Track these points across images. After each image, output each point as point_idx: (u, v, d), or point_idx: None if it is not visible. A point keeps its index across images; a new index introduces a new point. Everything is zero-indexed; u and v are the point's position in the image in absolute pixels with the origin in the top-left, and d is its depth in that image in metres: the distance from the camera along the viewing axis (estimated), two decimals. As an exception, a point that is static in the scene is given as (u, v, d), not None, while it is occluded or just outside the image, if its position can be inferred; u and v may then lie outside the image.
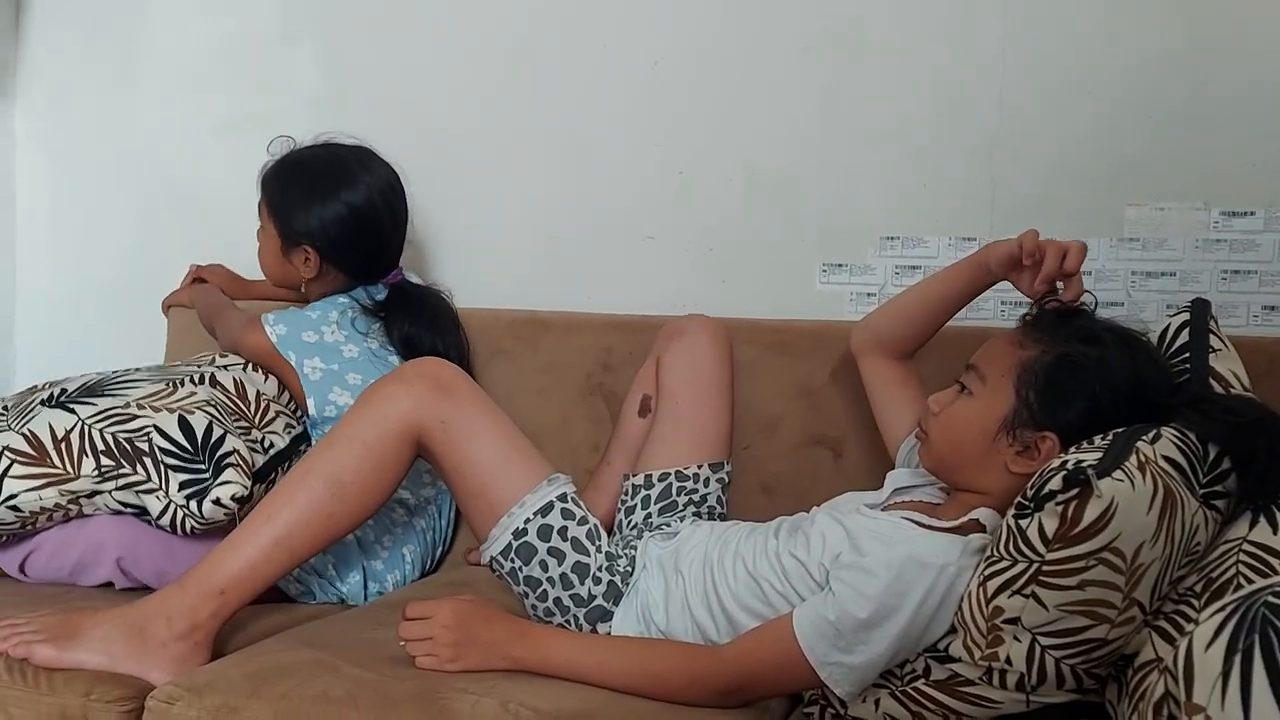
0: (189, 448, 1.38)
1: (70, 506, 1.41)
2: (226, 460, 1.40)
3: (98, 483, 1.38)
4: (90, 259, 2.21)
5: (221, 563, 1.22)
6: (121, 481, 1.38)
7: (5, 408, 1.46)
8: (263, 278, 1.82)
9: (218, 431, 1.40)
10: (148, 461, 1.38)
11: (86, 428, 1.39)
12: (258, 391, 1.54)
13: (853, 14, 1.71)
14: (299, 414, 1.64)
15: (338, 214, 1.63)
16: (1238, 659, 0.73)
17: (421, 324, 1.68)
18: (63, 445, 1.38)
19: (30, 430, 1.40)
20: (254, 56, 2.06)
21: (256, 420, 1.50)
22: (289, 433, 1.57)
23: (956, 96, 1.67)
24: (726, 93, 1.78)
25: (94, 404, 1.41)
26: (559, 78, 1.87)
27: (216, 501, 1.37)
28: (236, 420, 1.46)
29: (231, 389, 1.51)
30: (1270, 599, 0.74)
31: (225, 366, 1.57)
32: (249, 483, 1.40)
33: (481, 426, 1.29)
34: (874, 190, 1.73)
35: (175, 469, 1.38)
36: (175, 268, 2.00)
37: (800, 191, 1.76)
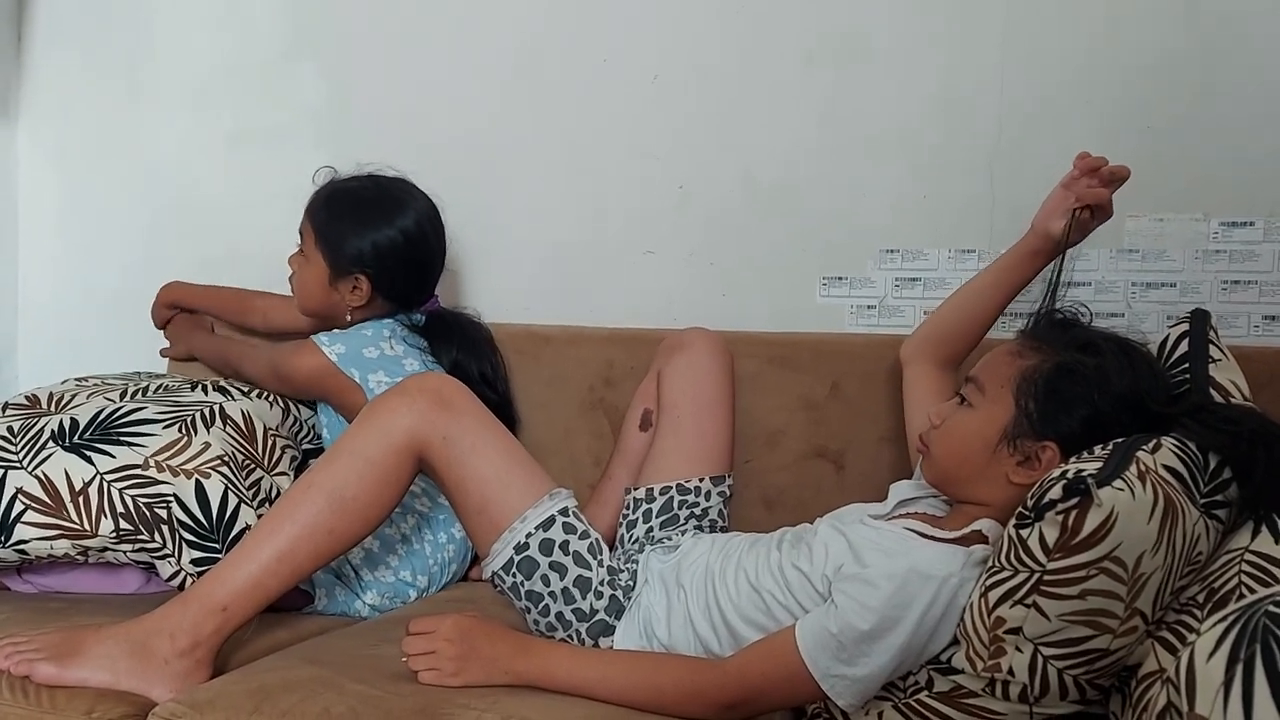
0: (205, 523, 1.38)
1: (79, 557, 1.41)
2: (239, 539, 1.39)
3: (114, 543, 1.38)
4: (94, 273, 2.21)
5: (224, 579, 1.22)
6: (138, 545, 1.38)
7: (11, 432, 1.44)
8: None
9: (233, 502, 1.39)
10: (165, 529, 1.37)
11: (106, 485, 1.37)
12: (265, 427, 1.52)
13: (852, 27, 1.71)
14: (299, 438, 1.65)
15: (391, 240, 1.64)
16: (1239, 669, 0.72)
17: (466, 350, 1.70)
18: (80, 500, 1.37)
19: (45, 475, 1.38)
20: (258, 71, 2.07)
21: (266, 462, 1.49)
22: (294, 466, 1.57)
23: (956, 109, 1.67)
24: (726, 106, 1.79)
25: (111, 455, 1.39)
26: (560, 91, 1.88)
27: None
28: (249, 471, 1.45)
29: (242, 426, 1.49)
30: (1271, 608, 0.74)
31: (233, 397, 1.55)
32: None
33: (483, 442, 1.29)
34: (874, 203, 1.73)
35: (191, 544, 1.37)
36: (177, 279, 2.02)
37: (800, 204, 1.76)
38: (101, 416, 1.44)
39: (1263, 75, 1.54)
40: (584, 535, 1.30)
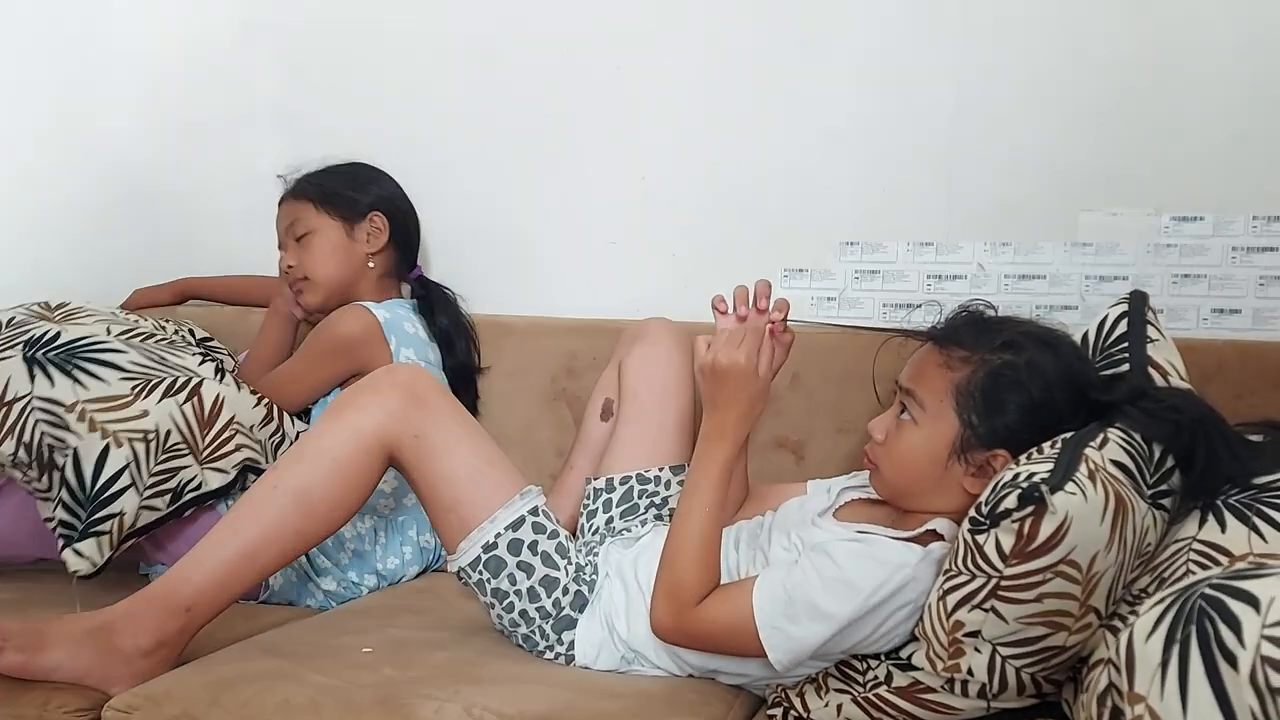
0: (83, 492, 1.35)
1: None
2: (97, 527, 1.36)
3: (9, 463, 1.38)
4: (45, 259, 2.17)
5: (188, 578, 1.21)
6: (27, 477, 1.38)
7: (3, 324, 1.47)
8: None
9: (124, 482, 1.36)
10: (55, 477, 1.36)
11: (29, 409, 1.36)
12: (231, 419, 1.48)
13: (813, 20, 1.72)
14: (276, 448, 1.60)
15: (390, 188, 1.75)
16: (1176, 649, 0.74)
17: (449, 319, 1.74)
18: (3, 411, 1.36)
19: None
20: (213, 58, 2.04)
21: (204, 453, 1.45)
22: (237, 467, 1.50)
23: (913, 102, 1.69)
24: (688, 97, 1.79)
25: (54, 381, 1.38)
26: (522, 81, 1.88)
27: (66, 558, 1.36)
28: (172, 455, 1.41)
29: (205, 409, 1.45)
30: (1206, 591, 0.75)
31: (224, 381, 1.50)
32: (98, 562, 1.37)
33: (455, 439, 1.28)
34: (834, 195, 1.74)
35: (64, 503, 1.36)
36: (132, 268, 1.99)
37: (762, 196, 1.77)
38: (80, 342, 1.43)
39: (1213, 71, 1.56)
40: (552, 535, 1.30)
